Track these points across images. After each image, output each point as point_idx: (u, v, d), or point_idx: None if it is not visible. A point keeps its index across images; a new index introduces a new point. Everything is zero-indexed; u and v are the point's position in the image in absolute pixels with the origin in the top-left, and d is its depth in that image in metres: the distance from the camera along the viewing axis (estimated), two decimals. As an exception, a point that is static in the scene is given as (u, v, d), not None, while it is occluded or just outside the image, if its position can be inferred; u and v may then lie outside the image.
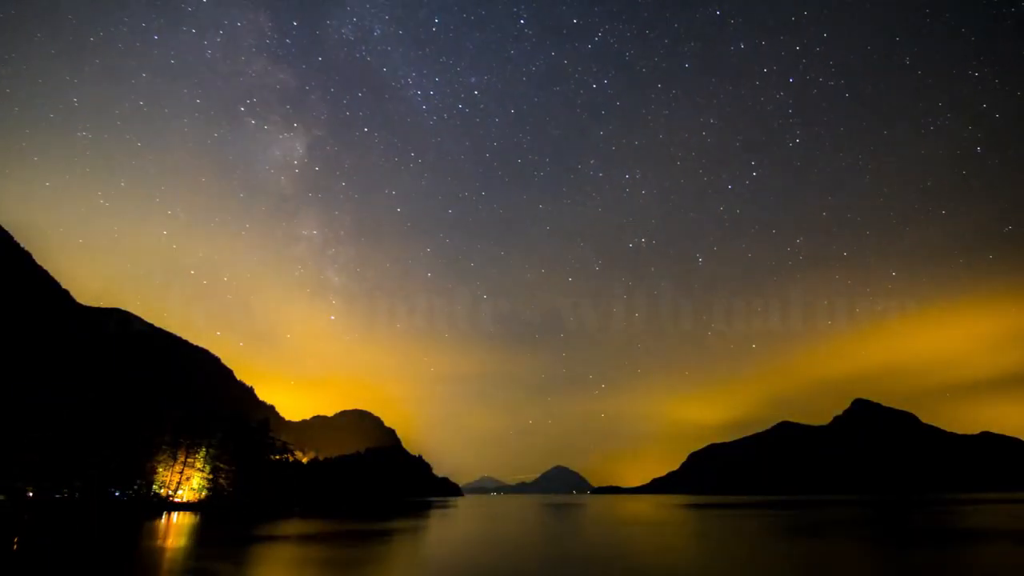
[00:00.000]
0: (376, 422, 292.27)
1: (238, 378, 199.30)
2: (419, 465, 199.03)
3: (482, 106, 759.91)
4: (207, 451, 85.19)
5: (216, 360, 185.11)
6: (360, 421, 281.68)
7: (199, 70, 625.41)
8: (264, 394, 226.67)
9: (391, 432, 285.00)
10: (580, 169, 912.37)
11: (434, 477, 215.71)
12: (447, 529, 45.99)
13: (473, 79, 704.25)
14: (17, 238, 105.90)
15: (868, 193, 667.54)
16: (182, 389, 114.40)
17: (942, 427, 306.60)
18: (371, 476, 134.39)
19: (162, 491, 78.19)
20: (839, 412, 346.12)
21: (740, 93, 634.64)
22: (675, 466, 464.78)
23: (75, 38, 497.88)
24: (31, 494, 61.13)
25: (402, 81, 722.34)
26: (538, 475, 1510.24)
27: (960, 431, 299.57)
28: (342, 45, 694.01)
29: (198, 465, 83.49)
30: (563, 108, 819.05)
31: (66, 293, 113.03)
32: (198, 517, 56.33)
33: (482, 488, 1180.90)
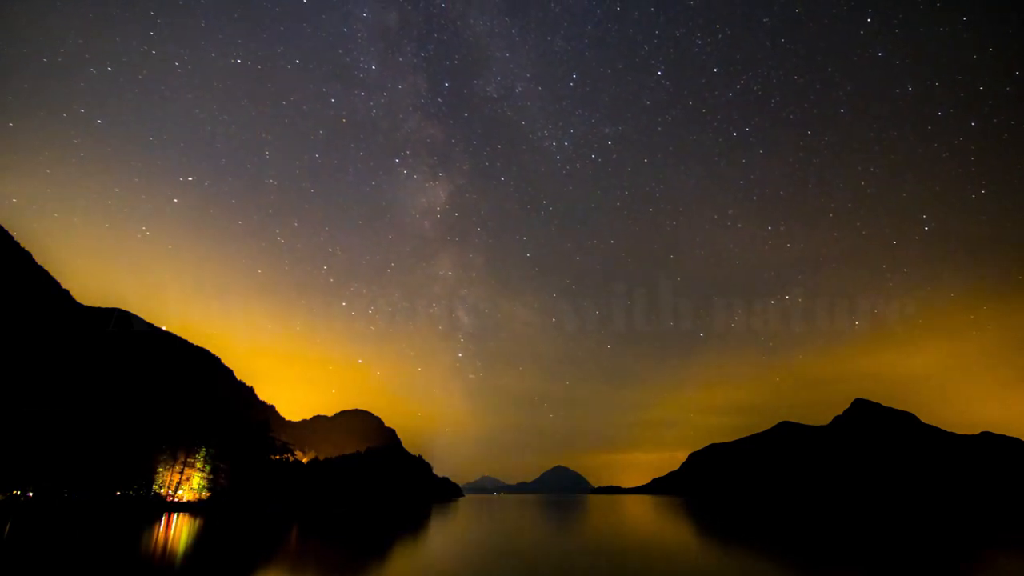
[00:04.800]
0: (376, 422, 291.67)
1: (238, 378, 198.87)
2: (419, 465, 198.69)
3: (615, 156, 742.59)
4: (207, 451, 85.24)
5: (216, 360, 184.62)
6: (360, 421, 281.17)
7: (365, 127, 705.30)
8: (264, 394, 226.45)
9: (391, 432, 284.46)
10: (716, 220, 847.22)
11: (434, 477, 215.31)
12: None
13: (607, 130, 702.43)
14: (18, 238, 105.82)
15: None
16: (182, 389, 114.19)
17: (942, 427, 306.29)
18: (371, 476, 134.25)
19: (162, 491, 78.16)
20: (839, 412, 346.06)
21: (907, 138, 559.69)
22: (675, 466, 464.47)
23: (272, 102, 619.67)
24: (31, 495, 61.10)
25: (539, 133, 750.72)
26: (538, 475, 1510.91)
27: (960, 431, 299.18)
28: (486, 102, 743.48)
29: (198, 465, 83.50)
30: (699, 157, 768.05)
31: (66, 293, 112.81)
32: (198, 517, 56.29)
33: (482, 488, 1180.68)
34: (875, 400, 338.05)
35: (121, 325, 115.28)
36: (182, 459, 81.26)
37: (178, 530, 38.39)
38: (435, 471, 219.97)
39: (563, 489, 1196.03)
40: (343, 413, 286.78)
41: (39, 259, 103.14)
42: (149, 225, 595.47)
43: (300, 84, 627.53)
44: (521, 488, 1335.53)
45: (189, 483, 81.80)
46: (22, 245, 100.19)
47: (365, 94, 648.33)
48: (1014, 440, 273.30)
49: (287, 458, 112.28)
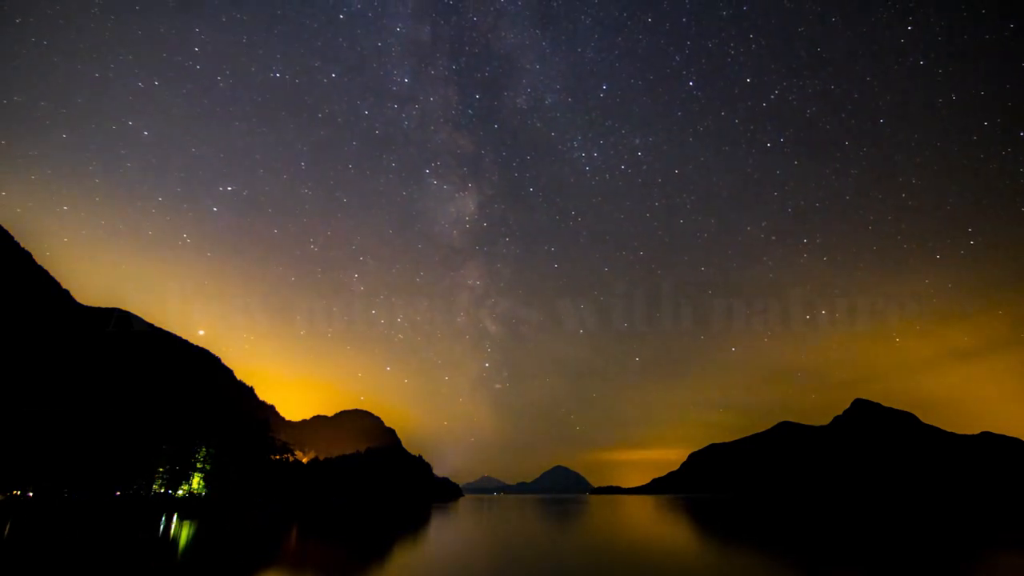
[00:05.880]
0: (376, 422, 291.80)
1: (238, 378, 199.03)
2: (419, 465, 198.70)
3: (645, 167, 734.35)
4: (207, 451, 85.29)
5: (216, 360, 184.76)
6: (360, 421, 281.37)
7: (397, 139, 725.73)
8: (264, 394, 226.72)
9: (391, 432, 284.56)
10: (749, 231, 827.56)
11: (434, 477, 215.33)
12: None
13: (637, 140, 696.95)
14: (18, 238, 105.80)
15: None
16: (182, 389, 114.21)
17: (942, 427, 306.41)
18: (371, 476, 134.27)
19: (162, 491, 78.18)
20: (839, 412, 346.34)
21: (952, 150, 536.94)
22: (675, 466, 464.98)
23: (309, 115, 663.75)
24: (31, 495, 61.10)
25: (568, 144, 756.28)
26: (538, 475, 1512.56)
27: (960, 431, 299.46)
28: (516, 113, 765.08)
29: (198, 465, 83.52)
30: (732, 168, 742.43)
31: (66, 293, 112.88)
32: (198, 517, 56.28)
33: (483, 488, 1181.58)
34: (875, 400, 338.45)
35: (121, 325, 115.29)
36: (182, 459, 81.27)
37: (178, 530, 38.38)
38: (435, 471, 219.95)
39: (563, 489, 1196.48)
40: (343, 413, 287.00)
41: (39, 259, 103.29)
42: (190, 232, 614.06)
43: (336, 97, 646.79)
44: (521, 488, 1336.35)
45: (189, 483, 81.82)
46: (22, 245, 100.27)
47: (398, 106, 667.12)
48: (1014, 440, 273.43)
49: (287, 458, 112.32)
